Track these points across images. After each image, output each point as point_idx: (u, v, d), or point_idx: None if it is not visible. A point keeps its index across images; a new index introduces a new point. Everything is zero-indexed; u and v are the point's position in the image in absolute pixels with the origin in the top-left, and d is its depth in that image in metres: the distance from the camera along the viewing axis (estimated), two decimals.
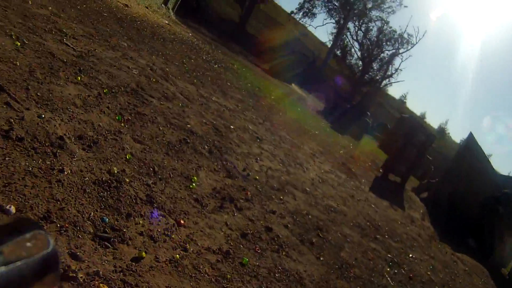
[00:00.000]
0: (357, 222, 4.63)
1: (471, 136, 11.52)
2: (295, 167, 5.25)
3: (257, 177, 3.98)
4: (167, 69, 6.08)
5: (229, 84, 8.28)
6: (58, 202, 1.86)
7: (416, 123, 11.89)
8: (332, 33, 39.25)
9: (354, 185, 6.80)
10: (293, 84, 21.64)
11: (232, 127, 5.15)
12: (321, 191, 4.88)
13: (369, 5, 37.84)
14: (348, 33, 40.30)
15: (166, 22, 12.52)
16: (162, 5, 14.62)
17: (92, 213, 1.94)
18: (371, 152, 15.12)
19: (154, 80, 4.86)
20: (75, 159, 2.28)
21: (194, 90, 5.84)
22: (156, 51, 6.96)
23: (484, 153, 11.49)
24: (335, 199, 4.96)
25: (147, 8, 12.80)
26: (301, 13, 37.36)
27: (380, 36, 39.90)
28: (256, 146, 5.05)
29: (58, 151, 2.24)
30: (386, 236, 4.88)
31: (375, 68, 41.38)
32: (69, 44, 4.14)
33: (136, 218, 2.12)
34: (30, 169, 1.95)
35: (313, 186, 4.89)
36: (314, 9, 37.20)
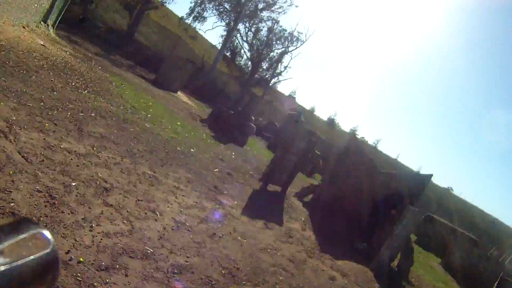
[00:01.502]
0: (208, 276, 4.13)
1: (353, 136, 11.91)
2: (144, 218, 4.57)
3: (82, 259, 3.20)
4: (13, 117, 4.99)
5: (93, 115, 7.28)
6: None
7: (297, 130, 12.02)
8: (222, 36, 39.25)
9: (222, 214, 6.37)
10: (179, 92, 20.93)
11: (73, 184, 4.27)
12: (169, 246, 4.26)
13: (260, 6, 38.54)
14: (238, 35, 40.66)
15: (42, 43, 10.94)
16: (41, 22, 12.88)
17: None
18: (257, 155, 15.08)
19: None
20: None
21: (40, 140, 4.81)
22: (10, 92, 5.77)
23: (365, 153, 11.75)
24: (187, 250, 4.40)
25: (25, 28, 11.14)
26: (191, 17, 36.72)
27: (270, 35, 40.90)
28: (99, 204, 4.24)
29: None
30: (244, 283, 4.51)
31: (264, 67, 42.35)
32: None
33: None
34: None
35: (160, 241, 4.25)
36: (205, 12, 36.85)
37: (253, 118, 17.24)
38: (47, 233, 1.13)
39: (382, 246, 8.66)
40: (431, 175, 10.83)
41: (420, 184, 10.58)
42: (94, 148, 5.78)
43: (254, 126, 16.64)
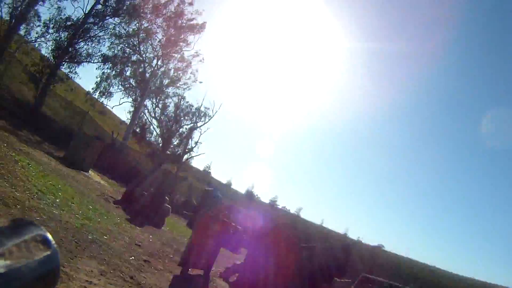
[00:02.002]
0: None
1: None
2: None
3: None
4: None
5: None
6: None
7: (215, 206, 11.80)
8: (130, 112, 38.76)
9: None
10: (90, 171, 19.76)
11: None
12: None
13: (165, 82, 39.36)
14: (146, 111, 40.58)
15: None
16: None
17: None
18: (176, 236, 14.39)
19: None
20: None
21: None
22: None
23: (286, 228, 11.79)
24: None
25: None
26: (98, 92, 35.98)
27: (178, 111, 41.36)
28: None
29: None
30: None
31: (175, 143, 42.23)
32: None
33: None
34: None
35: None
36: (111, 88, 36.34)
37: (167, 198, 16.73)
38: (48, 236, 1.29)
39: None
40: (349, 244, 11.17)
41: (344, 252, 10.75)
42: None
43: (170, 207, 16.10)
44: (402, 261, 58.66)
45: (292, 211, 79.19)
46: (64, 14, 31.17)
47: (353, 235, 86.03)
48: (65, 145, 20.41)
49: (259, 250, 10.93)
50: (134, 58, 36.91)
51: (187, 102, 42.01)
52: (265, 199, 76.97)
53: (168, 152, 41.53)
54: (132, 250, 8.79)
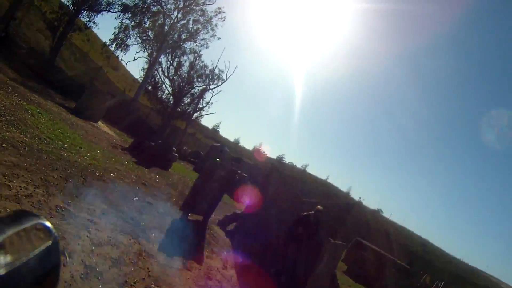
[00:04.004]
0: None
1: (274, 165, 11.88)
2: None
3: None
4: None
5: (4, 145, 6.61)
6: None
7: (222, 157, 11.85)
8: (143, 69, 38.58)
9: (134, 253, 5.91)
10: (100, 122, 20.24)
11: None
12: None
13: (184, 36, 38.75)
14: (160, 69, 40.32)
15: None
16: None
17: None
18: (182, 178, 14.80)
19: None
20: None
21: None
22: None
23: (288, 183, 11.64)
24: None
25: None
26: (114, 44, 35.80)
27: (192, 72, 40.97)
28: None
29: None
30: None
31: (186, 102, 42.20)
32: None
33: None
34: None
35: None
36: (128, 40, 36.24)
37: (174, 149, 17.14)
38: (48, 225, 1.27)
39: (301, 275, 8.50)
40: (350, 204, 11.14)
41: (344, 210, 10.71)
42: (6, 177, 5.41)
43: (177, 155, 16.54)
44: (398, 229, 59.15)
45: (299, 166, 79.91)
46: None
47: (355, 194, 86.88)
48: (76, 98, 20.76)
49: (260, 201, 11.10)
50: (154, 9, 36.22)
51: (202, 61, 41.45)
52: (273, 155, 77.35)
53: (179, 110, 41.62)
54: (137, 190, 9.17)
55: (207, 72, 41.22)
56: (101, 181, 8.04)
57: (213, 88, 41.69)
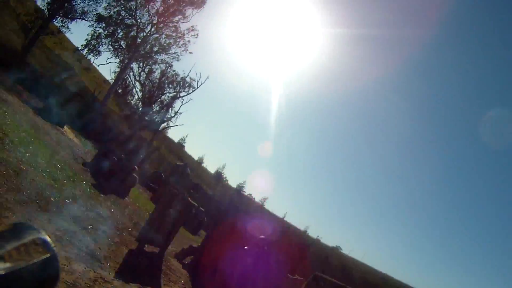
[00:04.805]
0: None
1: (230, 199, 12.02)
2: None
3: None
4: None
5: None
6: None
7: (183, 183, 11.84)
8: (115, 72, 38.08)
9: (90, 279, 5.79)
10: (65, 127, 19.51)
11: None
12: None
13: (155, 49, 38.77)
14: (131, 73, 39.91)
15: None
16: None
17: None
18: (137, 209, 14.43)
19: None
20: None
21: None
22: None
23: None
24: None
25: None
26: (86, 50, 35.41)
27: (163, 78, 40.75)
28: None
29: None
30: None
31: (155, 110, 41.75)
32: None
33: None
34: None
35: None
36: (100, 46, 35.85)
37: (136, 168, 16.73)
38: (47, 239, 1.28)
39: None
40: (307, 243, 11.37)
41: (302, 251, 10.85)
42: None
43: (137, 177, 16.12)
44: (358, 265, 60.10)
45: (257, 199, 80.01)
46: None
47: (313, 233, 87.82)
48: (45, 97, 20.13)
49: (218, 236, 11.05)
50: (128, 21, 36.30)
51: (174, 71, 41.39)
52: (233, 183, 77.13)
53: (146, 118, 41.05)
54: (92, 218, 8.84)
55: (179, 79, 41.22)
56: (56, 207, 7.65)
57: (183, 96, 41.51)
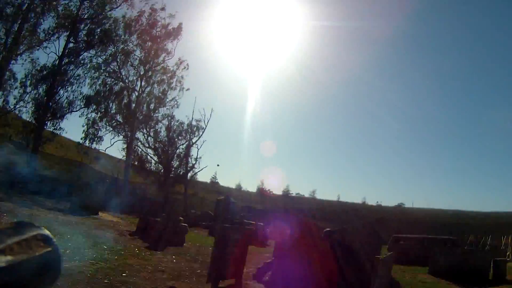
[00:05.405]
0: None
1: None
2: None
3: None
4: None
5: None
6: None
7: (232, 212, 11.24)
8: (123, 149, 37.93)
9: None
10: (100, 213, 19.58)
11: None
12: None
13: (152, 106, 38.00)
14: (139, 143, 39.73)
15: None
16: None
17: None
18: (200, 248, 13.99)
19: None
20: None
21: None
22: None
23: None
24: None
25: None
26: (87, 140, 35.06)
27: (170, 134, 40.51)
28: None
29: None
30: None
31: (175, 165, 41.52)
32: None
33: None
34: None
35: None
36: (99, 132, 35.51)
37: (181, 218, 16.46)
38: (48, 234, 1.80)
39: None
40: (382, 218, 10.56)
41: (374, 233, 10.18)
42: None
43: (186, 225, 15.82)
44: (426, 214, 58.35)
45: (307, 195, 78.99)
46: (39, 65, 31.06)
47: (371, 201, 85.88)
48: (68, 198, 20.25)
49: (285, 243, 10.39)
50: (117, 88, 35.94)
51: (177, 120, 41.05)
52: (278, 191, 76.45)
53: (172, 175, 40.88)
54: (156, 278, 8.27)
55: (185, 127, 40.83)
56: (110, 286, 6.96)
57: (196, 141, 41.21)
